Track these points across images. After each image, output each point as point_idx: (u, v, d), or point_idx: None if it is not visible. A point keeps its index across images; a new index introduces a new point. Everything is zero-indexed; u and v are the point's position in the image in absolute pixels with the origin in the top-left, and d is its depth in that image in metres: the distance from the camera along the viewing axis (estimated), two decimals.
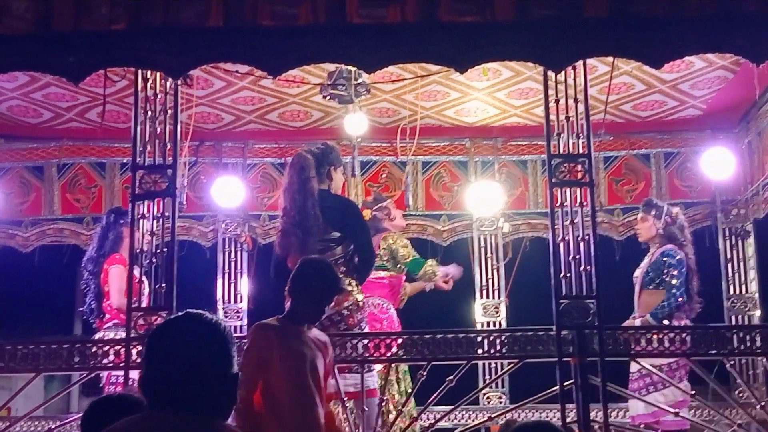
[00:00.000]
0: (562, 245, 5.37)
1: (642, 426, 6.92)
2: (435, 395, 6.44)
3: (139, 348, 5.24)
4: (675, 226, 7.27)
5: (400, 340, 5.47)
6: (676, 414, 6.23)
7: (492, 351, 5.48)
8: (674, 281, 7.06)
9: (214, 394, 2.34)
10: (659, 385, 6.80)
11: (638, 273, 7.33)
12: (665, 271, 7.09)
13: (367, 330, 6.14)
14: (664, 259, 7.14)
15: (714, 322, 7.39)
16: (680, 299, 7.03)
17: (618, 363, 5.85)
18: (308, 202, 6.07)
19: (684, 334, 5.54)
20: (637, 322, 6.98)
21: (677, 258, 7.13)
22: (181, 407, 2.28)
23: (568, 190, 5.43)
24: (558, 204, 5.41)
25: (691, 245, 7.36)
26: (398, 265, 7.58)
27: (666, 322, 6.89)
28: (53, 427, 6.10)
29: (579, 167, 5.42)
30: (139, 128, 5.55)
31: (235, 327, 8.32)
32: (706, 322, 7.07)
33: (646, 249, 7.46)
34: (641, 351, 5.52)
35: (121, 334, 5.84)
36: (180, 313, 2.44)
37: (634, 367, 6.89)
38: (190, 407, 2.29)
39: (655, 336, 5.49)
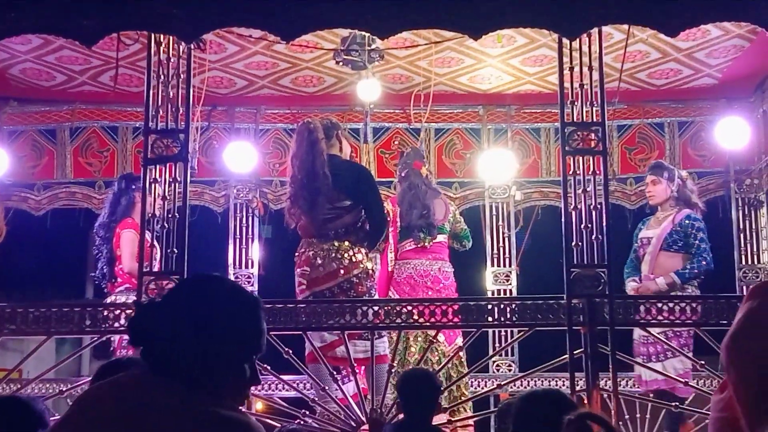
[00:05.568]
0: (574, 214, 5.35)
1: (653, 391, 6.88)
2: (446, 361, 6.47)
3: None
4: (687, 188, 7.27)
5: (410, 307, 5.45)
6: (686, 383, 6.25)
7: (502, 319, 5.46)
8: (703, 245, 7.04)
9: (222, 369, 2.10)
10: (669, 353, 6.74)
11: (653, 234, 7.24)
12: (693, 235, 7.06)
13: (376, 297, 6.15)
14: (693, 222, 7.11)
15: (725, 292, 7.38)
16: (710, 264, 7.01)
17: (627, 331, 5.85)
18: (317, 162, 6.05)
19: (695, 304, 5.51)
20: (660, 280, 6.96)
21: (702, 223, 7.12)
22: (183, 379, 2.05)
23: (581, 159, 5.40)
24: (570, 172, 5.38)
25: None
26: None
27: (686, 285, 6.89)
28: (64, 389, 6.13)
29: (592, 135, 5.38)
30: (151, 92, 5.53)
31: None
32: (718, 292, 7.05)
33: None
34: (652, 320, 5.51)
35: (133, 298, 5.86)
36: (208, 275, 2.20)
37: (636, 333, 6.88)
38: (191, 380, 2.06)
39: (665, 305, 5.47)
